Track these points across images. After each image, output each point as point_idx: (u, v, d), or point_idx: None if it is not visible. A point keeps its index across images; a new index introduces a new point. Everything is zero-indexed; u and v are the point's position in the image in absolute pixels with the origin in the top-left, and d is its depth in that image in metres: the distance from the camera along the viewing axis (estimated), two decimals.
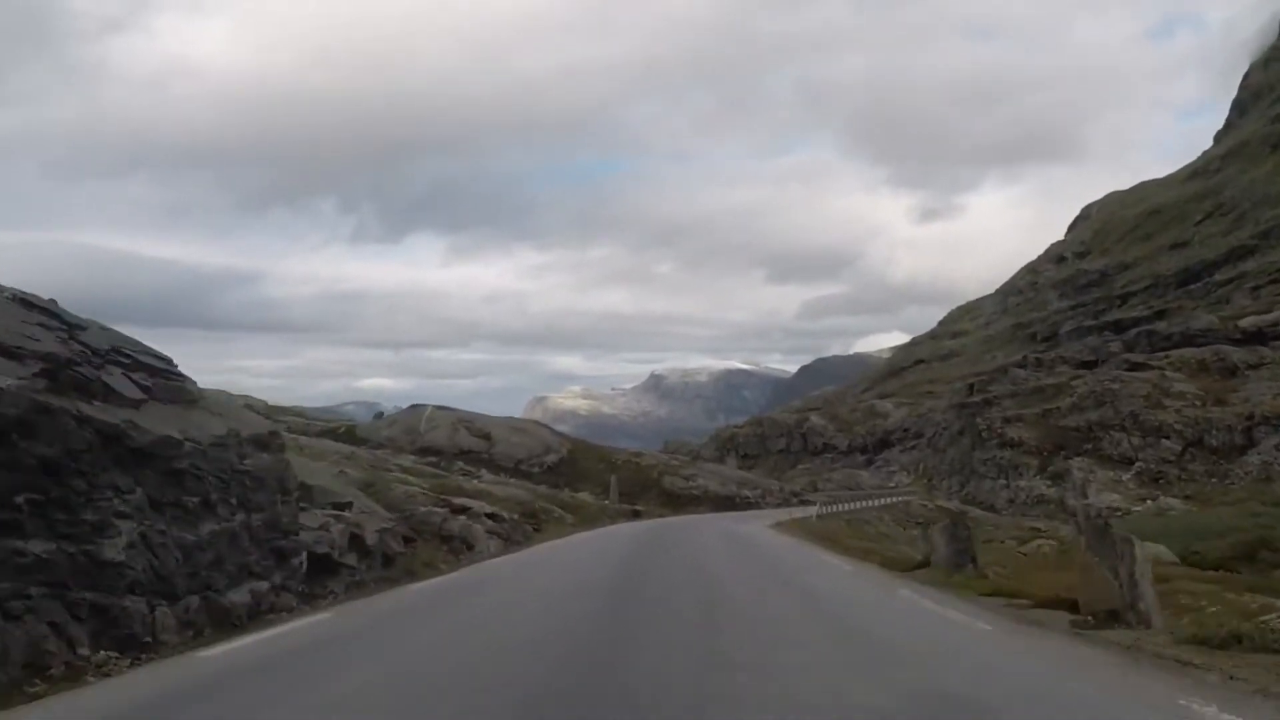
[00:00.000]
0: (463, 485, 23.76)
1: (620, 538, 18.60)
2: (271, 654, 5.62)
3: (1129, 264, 79.95)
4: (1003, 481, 43.36)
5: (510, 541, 15.59)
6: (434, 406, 47.03)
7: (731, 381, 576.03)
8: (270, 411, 50.00)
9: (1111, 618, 6.55)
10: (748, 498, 39.50)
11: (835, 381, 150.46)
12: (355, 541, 8.96)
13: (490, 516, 15.61)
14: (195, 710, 4.28)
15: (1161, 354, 47.56)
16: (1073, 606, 7.24)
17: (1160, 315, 60.54)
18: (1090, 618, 6.72)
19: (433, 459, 37.22)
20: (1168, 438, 39.72)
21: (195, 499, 6.24)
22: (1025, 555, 20.68)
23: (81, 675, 4.92)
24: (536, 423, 53.63)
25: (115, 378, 6.13)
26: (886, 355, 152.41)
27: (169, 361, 7.14)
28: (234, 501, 6.72)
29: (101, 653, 5.17)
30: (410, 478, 23.84)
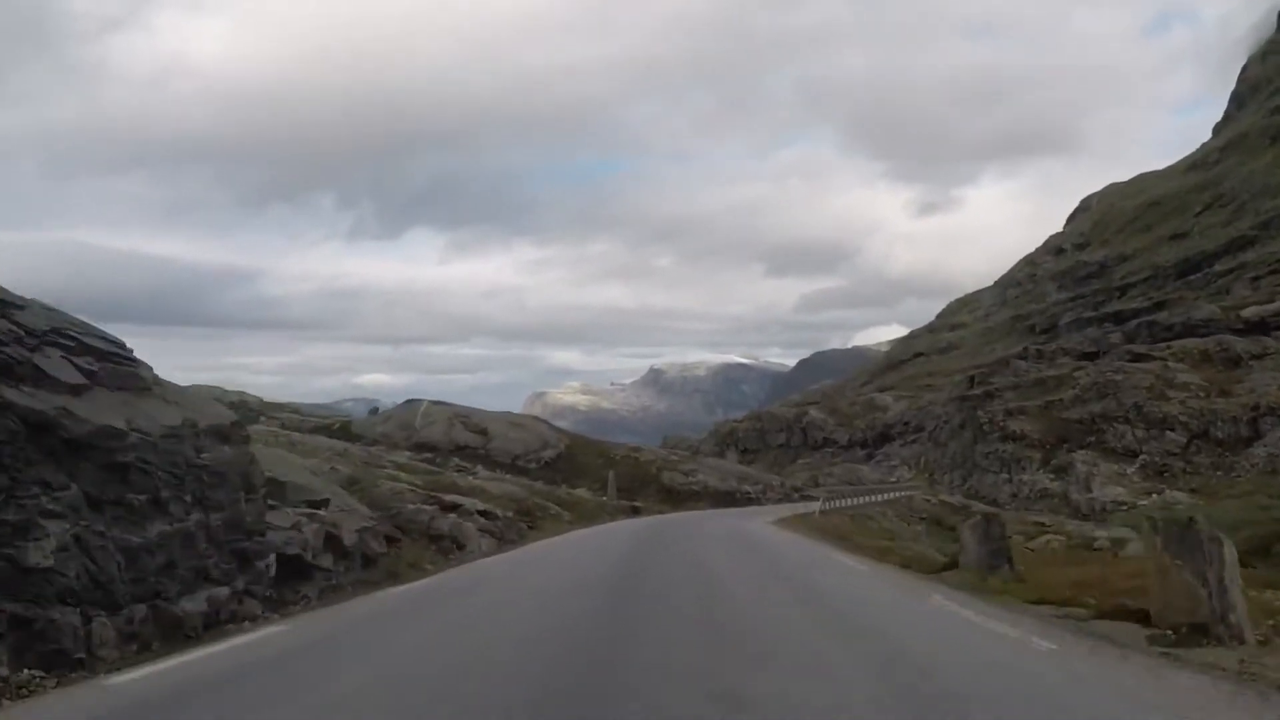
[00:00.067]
0: (456, 482, 23.13)
1: (618, 536, 17.92)
2: (210, 673, 4.97)
3: (1128, 255, 79.63)
4: (1005, 475, 42.90)
5: (504, 540, 14.96)
6: (429, 401, 46.38)
7: (730, 376, 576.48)
8: (264, 408, 49.41)
9: (1197, 632, 5.63)
10: (748, 493, 38.95)
11: (834, 375, 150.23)
12: (331, 542, 8.31)
13: (483, 514, 14.97)
14: None
15: (1164, 345, 47.12)
16: (1143, 618, 6.23)
17: (1160, 306, 60.17)
18: (1170, 632, 5.80)
19: (428, 455, 36.61)
20: (1172, 429, 39.27)
21: (142, 496, 5.59)
22: (1033, 551, 20.10)
23: None
24: (534, 418, 53.00)
25: (52, 361, 5.47)
26: (885, 348, 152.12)
27: (120, 345, 6.46)
28: (189, 499, 6.07)
29: (25, 672, 4.55)
30: (402, 474, 23.20)
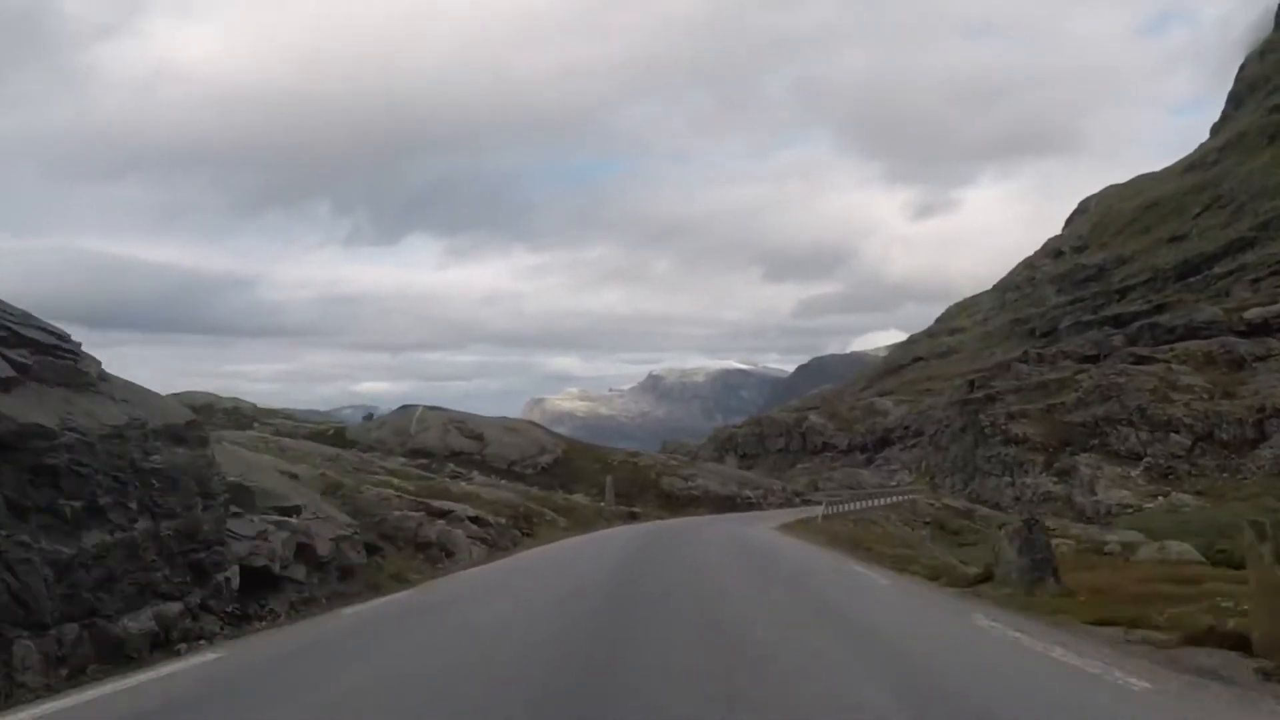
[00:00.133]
0: (450, 488, 22.56)
1: (615, 543, 17.30)
2: (149, 700, 4.36)
3: (1127, 258, 79.42)
4: (1008, 479, 42.35)
5: (496, 548, 14.37)
6: (424, 407, 45.86)
7: (729, 381, 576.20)
8: (258, 414, 48.87)
9: None
10: (749, 498, 38.37)
11: (833, 380, 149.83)
12: (304, 552, 7.73)
13: (474, 521, 14.39)
14: None
15: (1166, 347, 46.72)
16: (1240, 644, 5.27)
17: (1160, 309, 59.83)
18: None
19: (423, 461, 36.09)
20: (1177, 432, 38.79)
21: (76, 503, 5.03)
22: None
23: None
24: (530, 423, 52.45)
25: None
26: (884, 353, 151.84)
27: (63, 337, 5.91)
28: (134, 506, 5.50)
29: None
30: (394, 480, 22.62)
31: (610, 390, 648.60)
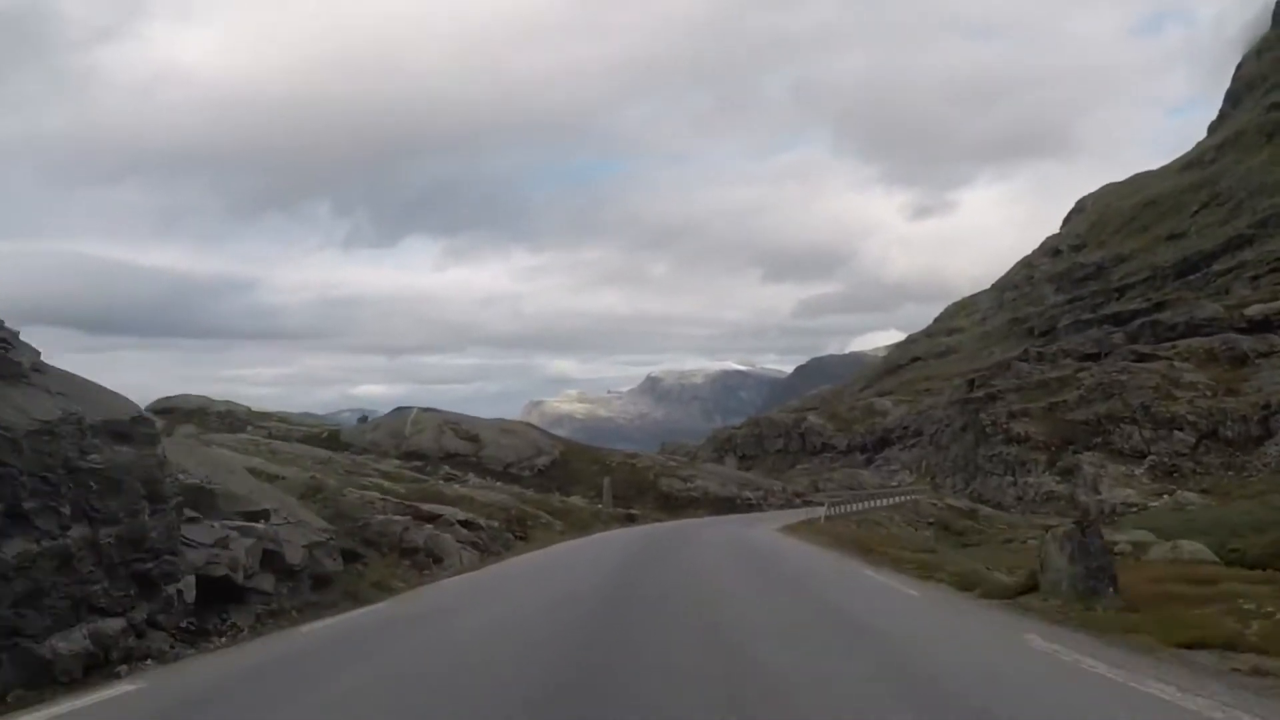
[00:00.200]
0: (442, 490, 21.99)
1: (611, 547, 16.71)
2: None
3: (1126, 256, 79.21)
4: (1010, 478, 41.89)
5: (488, 552, 13.80)
6: (419, 409, 45.31)
7: (728, 383, 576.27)
8: (252, 417, 48.28)
9: None
10: (749, 499, 37.84)
11: (832, 381, 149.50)
12: (271, 560, 7.14)
13: (465, 524, 13.81)
14: None
15: (1168, 344, 46.36)
16: None
17: (1159, 307, 59.54)
18: None
19: (418, 463, 35.56)
20: (1181, 429, 38.37)
21: None
22: None
23: None
24: (527, 424, 51.91)
25: None
26: (882, 354, 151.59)
27: None
28: (66, 511, 4.93)
29: None
30: (385, 483, 22.05)
31: (609, 392, 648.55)
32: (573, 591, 8.91)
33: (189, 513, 6.56)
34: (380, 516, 11.56)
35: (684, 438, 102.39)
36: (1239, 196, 70.62)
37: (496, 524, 16.57)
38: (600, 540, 19.59)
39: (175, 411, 45.91)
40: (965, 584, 9.66)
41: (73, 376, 5.85)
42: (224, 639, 6.18)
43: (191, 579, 6.10)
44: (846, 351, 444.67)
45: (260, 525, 7.30)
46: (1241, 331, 45.44)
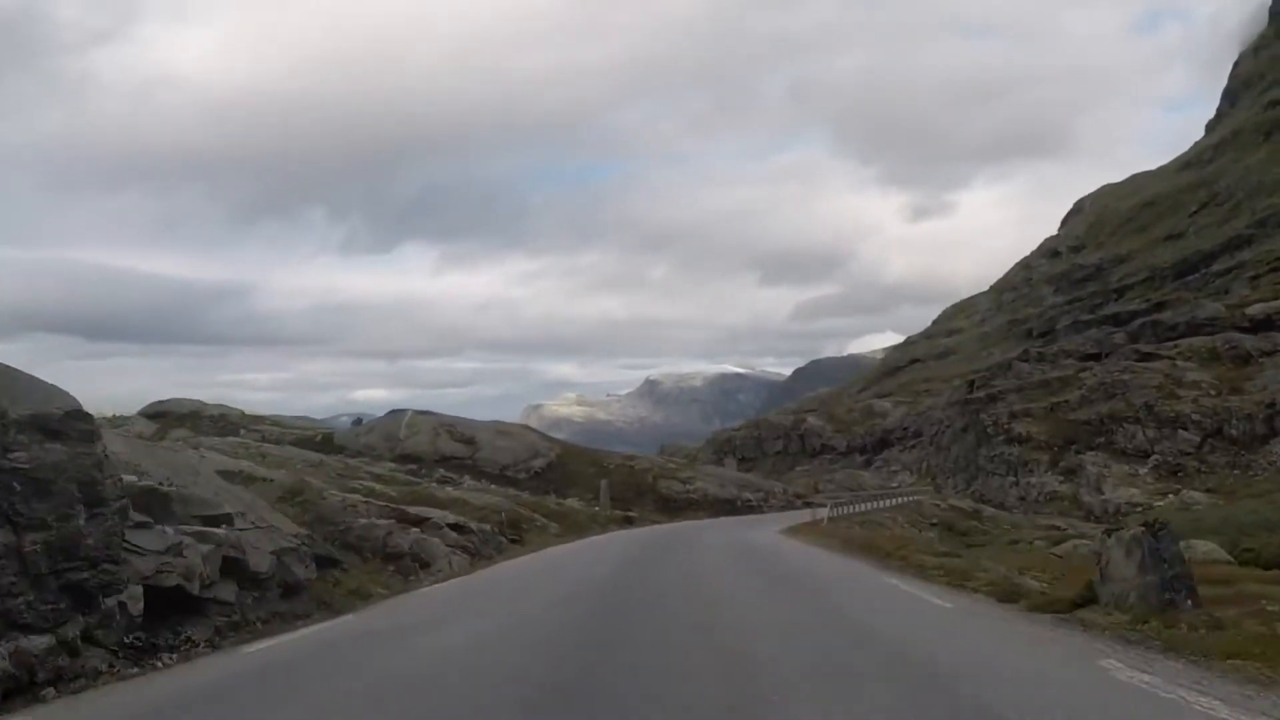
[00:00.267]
0: (435, 493, 21.50)
1: (606, 551, 16.18)
2: None
3: (1124, 257, 79.08)
4: (1012, 479, 41.50)
5: (479, 556, 13.30)
6: (414, 411, 44.81)
7: (726, 386, 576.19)
8: (245, 421, 47.73)
9: None
10: (749, 501, 37.37)
11: (830, 383, 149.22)
12: (234, 567, 6.61)
13: (454, 528, 13.30)
14: None
15: (1170, 344, 46.08)
16: None
17: (1159, 307, 59.33)
18: None
19: (412, 466, 35.10)
20: (1185, 428, 38.01)
21: None
22: (1060, 558, 18.57)
23: None
24: (524, 426, 51.39)
25: None
26: (880, 356, 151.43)
27: None
28: None
29: None
30: (377, 485, 21.57)
31: (608, 395, 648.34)
32: (572, 593, 8.39)
33: (138, 517, 5.99)
34: (363, 520, 11.04)
35: (683, 440, 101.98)
36: (1237, 196, 70.53)
37: (489, 527, 16.06)
38: (594, 544, 18.99)
39: (168, 415, 45.36)
40: (1005, 594, 8.58)
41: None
42: (176, 655, 5.62)
43: (138, 590, 5.55)
44: (844, 354, 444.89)
45: (220, 530, 6.74)
46: (1244, 331, 45.18)
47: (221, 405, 51.46)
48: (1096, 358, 47.87)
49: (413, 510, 13.13)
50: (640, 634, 6.34)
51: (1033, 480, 40.06)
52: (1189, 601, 6.55)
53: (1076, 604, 7.34)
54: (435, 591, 9.88)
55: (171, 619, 5.85)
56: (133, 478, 6.61)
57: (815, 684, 4.66)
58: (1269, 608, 8.13)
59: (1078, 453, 39.43)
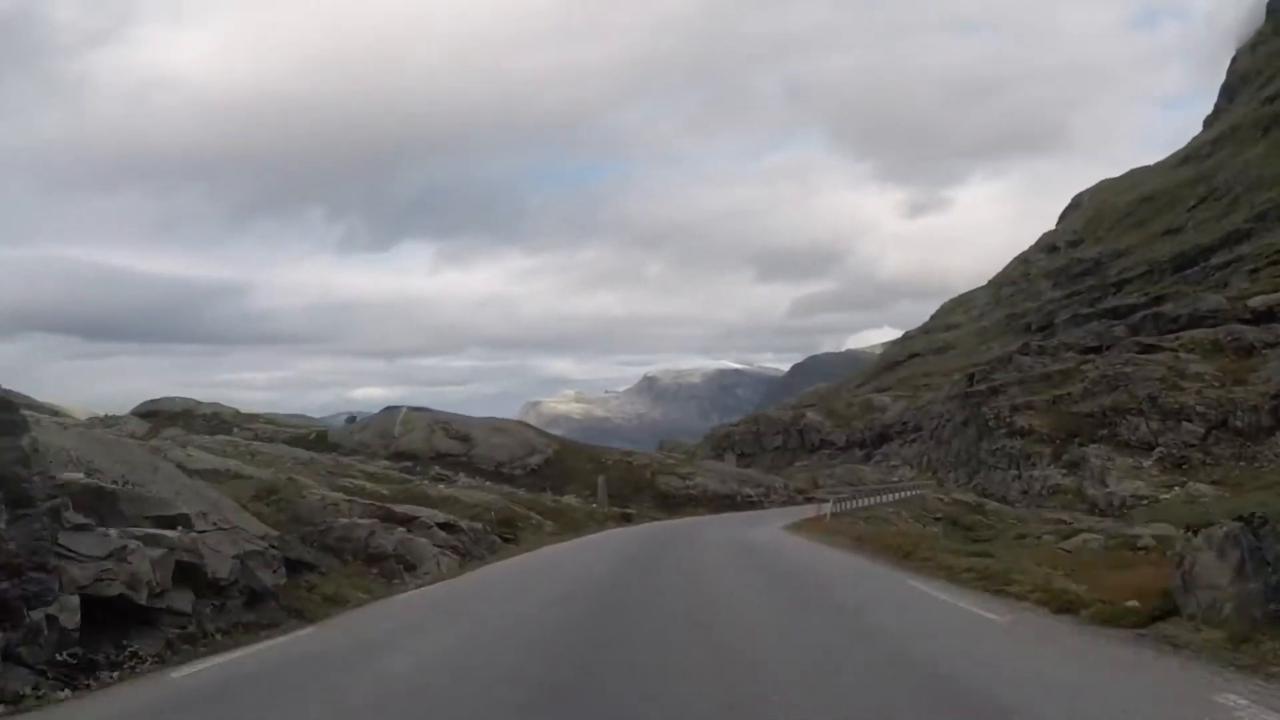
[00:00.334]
0: (428, 491, 20.88)
1: (605, 549, 15.58)
2: None
3: (1123, 251, 78.79)
4: (1014, 472, 41.08)
5: (470, 556, 12.69)
6: (408, 408, 44.22)
7: (724, 382, 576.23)
8: (238, 419, 47.07)
9: None
10: (750, 497, 36.84)
11: (828, 378, 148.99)
12: (189, 574, 5.96)
13: (444, 527, 12.68)
14: None
15: (1172, 336, 45.72)
16: None
17: (1158, 301, 59.04)
18: None
19: (407, 464, 34.53)
20: (1189, 420, 37.60)
21: None
22: (1069, 552, 18.05)
23: None
24: (520, 423, 50.79)
25: None
26: (878, 351, 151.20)
27: None
28: None
29: None
30: (368, 484, 20.95)
31: (606, 392, 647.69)
32: (567, 592, 7.80)
33: (77, 519, 5.37)
34: (344, 520, 10.38)
35: (682, 436, 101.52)
36: (1236, 191, 70.26)
37: (481, 526, 15.44)
38: (591, 543, 18.36)
39: (160, 414, 44.70)
40: (1059, 603, 7.28)
41: None
42: (118, 673, 4.96)
43: (74, 600, 4.93)
44: (842, 349, 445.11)
45: (174, 533, 6.07)
46: (1246, 323, 44.86)
47: (215, 404, 50.78)
48: (1097, 350, 47.50)
49: (399, 509, 12.49)
50: (640, 626, 5.75)
51: (1035, 473, 39.63)
52: None
53: (1154, 616, 6.27)
54: (416, 597, 9.20)
55: (116, 633, 5.20)
56: (78, 475, 5.98)
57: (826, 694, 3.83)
58: None
59: (1080, 445, 39.01)
